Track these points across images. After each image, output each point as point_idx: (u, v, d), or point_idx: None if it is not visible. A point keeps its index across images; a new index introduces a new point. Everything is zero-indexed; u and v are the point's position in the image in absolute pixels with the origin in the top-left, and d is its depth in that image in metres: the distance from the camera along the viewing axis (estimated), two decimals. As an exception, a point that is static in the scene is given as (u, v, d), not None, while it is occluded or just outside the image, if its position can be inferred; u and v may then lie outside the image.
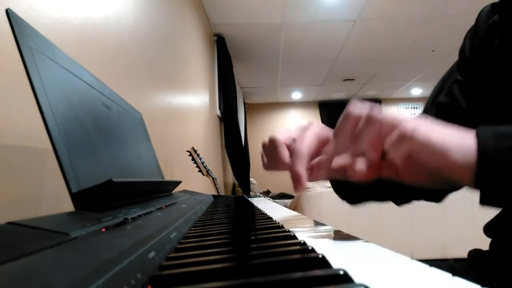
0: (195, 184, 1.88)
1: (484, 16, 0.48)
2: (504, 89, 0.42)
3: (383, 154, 0.32)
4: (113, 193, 0.37)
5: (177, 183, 0.75)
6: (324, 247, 0.29)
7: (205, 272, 0.20)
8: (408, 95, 5.74)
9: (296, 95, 5.55)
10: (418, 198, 0.49)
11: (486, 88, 0.44)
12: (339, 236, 0.35)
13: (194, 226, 0.43)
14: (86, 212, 0.31)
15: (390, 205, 0.54)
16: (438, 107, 0.52)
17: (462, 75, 0.50)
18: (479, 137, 0.27)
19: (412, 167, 0.30)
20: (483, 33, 0.46)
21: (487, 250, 0.48)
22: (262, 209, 0.66)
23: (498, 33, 0.44)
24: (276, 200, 3.19)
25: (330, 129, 0.40)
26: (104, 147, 0.45)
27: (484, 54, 0.45)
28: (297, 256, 0.22)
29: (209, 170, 1.66)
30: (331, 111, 5.87)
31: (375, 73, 4.47)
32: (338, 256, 0.26)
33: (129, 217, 0.32)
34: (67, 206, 0.33)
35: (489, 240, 0.48)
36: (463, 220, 2.14)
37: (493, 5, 0.48)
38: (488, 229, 0.47)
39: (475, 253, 0.50)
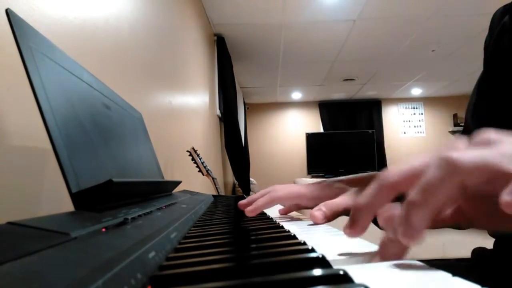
0: (195, 184, 1.88)
1: (497, 18, 0.49)
2: None
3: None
4: (113, 193, 0.37)
5: (177, 183, 0.75)
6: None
7: (205, 272, 0.20)
8: (408, 95, 5.74)
9: (296, 95, 5.55)
10: None
11: (499, 87, 0.44)
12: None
13: (194, 226, 0.43)
14: (86, 212, 0.31)
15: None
16: (479, 119, 0.50)
17: (488, 80, 0.49)
18: None
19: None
20: (495, 34, 0.47)
21: (491, 249, 0.48)
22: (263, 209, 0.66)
23: (508, 33, 0.44)
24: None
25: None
26: (104, 147, 0.45)
27: (496, 55, 0.46)
28: (297, 256, 0.22)
29: (209, 170, 1.66)
30: (331, 111, 5.87)
31: (375, 73, 4.47)
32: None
33: (129, 217, 0.32)
34: (67, 206, 0.33)
35: (489, 240, 0.47)
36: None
37: (505, 6, 0.48)
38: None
39: (479, 252, 0.50)
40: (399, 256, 0.23)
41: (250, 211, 0.50)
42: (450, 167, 0.21)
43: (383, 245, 0.24)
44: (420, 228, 0.22)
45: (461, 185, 0.21)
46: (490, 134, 0.24)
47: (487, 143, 0.23)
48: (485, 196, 0.24)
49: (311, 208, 0.55)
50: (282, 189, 0.54)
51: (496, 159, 0.21)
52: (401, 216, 0.23)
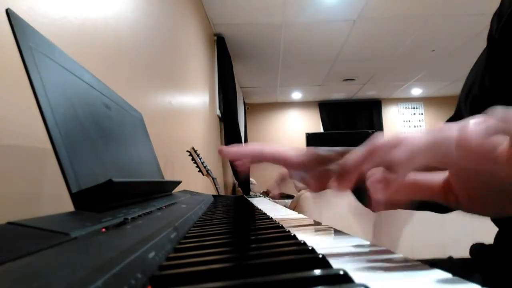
0: (195, 184, 1.88)
1: (509, 1, 0.48)
2: None
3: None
4: (113, 193, 0.37)
5: (177, 183, 0.75)
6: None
7: (205, 272, 0.20)
8: (408, 95, 5.74)
9: (296, 95, 5.55)
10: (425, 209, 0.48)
11: (508, 72, 0.43)
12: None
13: (194, 226, 0.43)
14: (86, 212, 0.31)
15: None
16: (473, 102, 0.49)
17: (492, 59, 0.48)
18: None
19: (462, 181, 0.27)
20: (507, 16, 0.46)
21: (490, 244, 0.48)
22: (262, 209, 0.66)
23: None
24: (276, 200, 3.18)
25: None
26: (104, 147, 0.45)
27: (509, 36, 0.45)
28: (297, 256, 0.22)
29: (209, 170, 1.66)
30: (331, 111, 5.87)
31: (375, 73, 4.47)
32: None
33: (129, 217, 0.32)
34: (67, 206, 0.32)
35: (489, 240, 0.47)
36: (463, 219, 2.14)
37: None
38: (498, 219, 0.46)
39: (478, 247, 0.50)
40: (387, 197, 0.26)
41: (226, 152, 0.45)
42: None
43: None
44: (397, 178, 0.25)
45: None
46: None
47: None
48: (470, 180, 0.27)
49: (294, 176, 0.51)
50: (270, 147, 0.49)
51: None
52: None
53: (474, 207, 0.30)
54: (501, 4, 0.49)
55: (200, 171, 1.64)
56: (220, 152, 0.46)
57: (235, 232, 0.36)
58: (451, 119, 0.58)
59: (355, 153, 0.29)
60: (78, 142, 0.37)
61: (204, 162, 1.66)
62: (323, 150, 0.51)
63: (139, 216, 0.35)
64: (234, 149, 0.45)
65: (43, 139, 0.35)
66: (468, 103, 0.50)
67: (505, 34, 0.45)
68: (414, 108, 5.93)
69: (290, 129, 5.86)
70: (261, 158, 0.48)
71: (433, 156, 0.26)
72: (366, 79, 4.74)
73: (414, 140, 0.26)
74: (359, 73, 4.45)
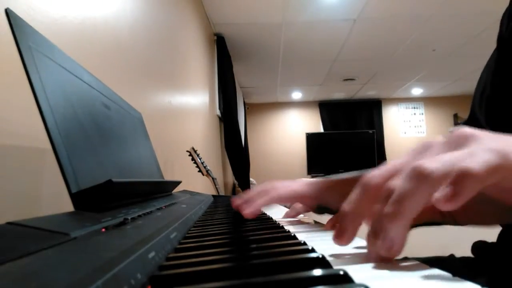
0: (195, 184, 1.88)
1: None
2: None
3: None
4: (113, 193, 0.37)
5: (177, 183, 0.75)
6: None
7: (205, 272, 0.20)
8: (408, 95, 5.74)
9: (296, 95, 5.55)
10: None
11: None
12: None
13: (194, 226, 0.43)
14: (86, 212, 0.31)
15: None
16: (488, 103, 0.48)
17: (502, 60, 0.47)
18: None
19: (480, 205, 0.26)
20: None
21: (493, 242, 0.47)
22: (261, 209, 0.66)
23: None
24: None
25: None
26: (104, 147, 0.45)
27: None
28: (297, 256, 0.22)
29: (209, 170, 1.66)
30: (331, 111, 5.87)
31: (375, 73, 4.47)
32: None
33: (129, 217, 0.32)
34: (67, 206, 0.33)
35: (490, 239, 0.47)
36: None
37: None
38: None
39: (480, 245, 0.49)
40: (386, 259, 0.23)
41: (248, 214, 0.47)
42: (419, 177, 0.22)
43: (368, 247, 0.24)
44: (398, 239, 0.22)
45: (433, 192, 0.22)
46: (465, 130, 0.24)
47: (462, 142, 0.24)
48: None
49: (312, 209, 0.53)
50: (282, 188, 0.50)
51: (463, 161, 0.21)
52: (376, 229, 0.23)
53: (473, 220, 0.29)
54: (510, 3, 0.48)
55: (200, 171, 1.64)
56: (240, 211, 0.47)
57: (235, 232, 0.36)
58: (466, 122, 0.57)
59: (350, 198, 0.26)
60: (77, 142, 0.37)
61: (204, 162, 1.66)
62: (335, 181, 0.50)
63: (139, 216, 0.35)
64: (251, 211, 0.45)
65: (43, 139, 0.35)
66: (482, 105, 0.49)
67: None
68: (414, 108, 5.93)
69: (290, 129, 5.86)
70: (277, 203, 0.50)
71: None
72: (366, 79, 4.74)
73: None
74: (359, 73, 4.45)
